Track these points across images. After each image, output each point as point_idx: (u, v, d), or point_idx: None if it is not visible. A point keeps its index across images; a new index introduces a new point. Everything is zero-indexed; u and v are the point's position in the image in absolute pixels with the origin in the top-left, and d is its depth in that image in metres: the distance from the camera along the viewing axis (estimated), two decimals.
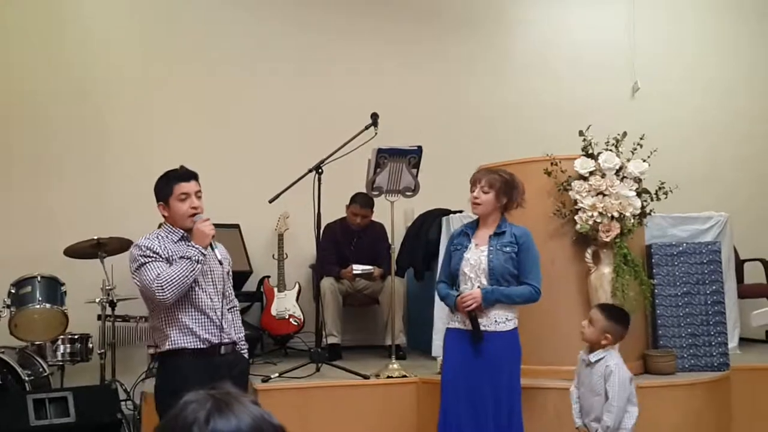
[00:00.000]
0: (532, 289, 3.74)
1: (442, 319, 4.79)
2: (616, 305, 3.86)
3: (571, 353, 3.73)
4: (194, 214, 3.38)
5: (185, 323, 3.33)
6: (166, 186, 3.41)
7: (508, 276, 3.74)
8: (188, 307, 3.34)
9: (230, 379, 2.97)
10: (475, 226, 3.92)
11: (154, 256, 3.31)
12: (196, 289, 3.35)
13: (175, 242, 3.38)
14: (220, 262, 3.43)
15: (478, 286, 3.73)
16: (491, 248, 3.76)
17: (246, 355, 3.63)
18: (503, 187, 3.82)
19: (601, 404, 3.49)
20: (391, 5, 7.00)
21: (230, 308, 3.57)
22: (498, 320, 3.73)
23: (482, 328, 3.70)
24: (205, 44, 6.55)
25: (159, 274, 3.26)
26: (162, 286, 3.24)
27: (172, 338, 3.32)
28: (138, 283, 3.36)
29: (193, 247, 3.32)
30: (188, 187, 3.38)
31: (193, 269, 3.29)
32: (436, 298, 4.38)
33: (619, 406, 3.47)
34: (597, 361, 3.54)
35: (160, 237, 3.40)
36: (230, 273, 3.59)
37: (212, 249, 3.40)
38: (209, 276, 3.41)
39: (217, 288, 3.43)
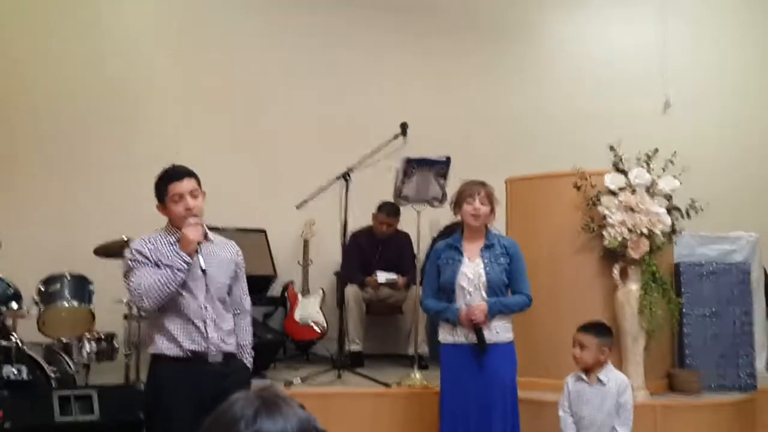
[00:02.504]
0: (526, 298, 3.85)
1: None
2: (594, 321, 3.86)
3: None
4: (189, 216, 3.19)
5: (169, 331, 3.18)
6: (160, 187, 3.24)
7: (503, 287, 3.83)
8: (174, 314, 3.19)
9: (219, 390, 2.94)
10: (460, 239, 3.94)
11: (143, 260, 3.18)
12: (186, 295, 3.19)
13: (171, 244, 3.21)
14: (203, 271, 3.16)
15: (478, 300, 3.77)
16: (486, 261, 3.81)
17: (249, 364, 3.42)
18: (494, 200, 3.91)
19: (612, 421, 3.61)
20: (423, 15, 7.01)
21: (238, 312, 3.39)
22: (499, 331, 3.80)
23: (485, 341, 3.75)
24: (237, 48, 6.60)
25: (140, 282, 3.13)
26: (141, 294, 3.13)
27: (156, 344, 3.22)
28: (126, 288, 3.26)
29: (178, 254, 3.15)
30: (180, 187, 3.19)
31: (174, 278, 3.12)
32: None
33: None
34: (608, 379, 3.65)
35: (158, 238, 3.25)
36: (238, 276, 3.39)
37: (198, 255, 3.17)
38: (201, 281, 3.20)
39: (210, 294, 3.22)
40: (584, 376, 3.70)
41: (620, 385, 3.66)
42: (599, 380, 3.67)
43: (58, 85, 6.26)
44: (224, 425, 1.19)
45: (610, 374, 3.69)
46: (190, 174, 3.25)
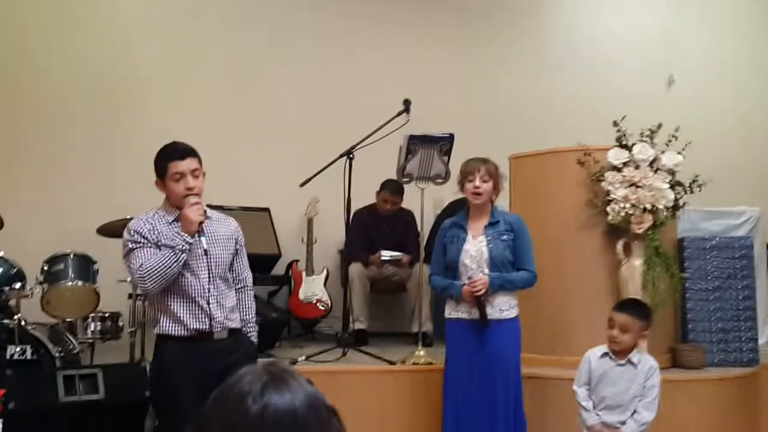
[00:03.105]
0: (531, 275, 3.83)
1: None
2: (632, 300, 3.82)
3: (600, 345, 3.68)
4: (189, 195, 3.15)
5: (173, 311, 3.16)
6: (161, 163, 3.18)
7: (507, 264, 3.81)
8: (177, 294, 3.16)
9: (225, 367, 2.95)
10: (465, 217, 3.93)
11: (143, 241, 3.14)
12: (188, 275, 3.16)
13: (170, 223, 3.19)
14: (205, 252, 3.17)
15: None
16: (489, 238, 3.81)
17: (254, 338, 3.42)
18: (497, 175, 3.88)
19: (634, 404, 3.48)
20: None
21: (240, 287, 3.39)
22: (502, 308, 3.80)
23: (488, 316, 3.75)
24: (239, 27, 6.58)
25: (142, 263, 3.09)
26: (143, 276, 3.08)
27: (161, 324, 3.20)
28: (128, 270, 3.24)
29: (180, 234, 3.12)
30: (183, 165, 3.14)
31: (177, 259, 3.09)
32: None
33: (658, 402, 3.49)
34: (639, 361, 3.52)
35: (156, 217, 3.22)
36: (239, 252, 3.37)
37: (200, 236, 3.17)
38: (203, 260, 3.18)
39: (212, 272, 3.21)
40: (612, 355, 3.54)
41: (650, 368, 3.51)
42: (630, 362, 3.51)
43: (62, 69, 6.26)
44: (232, 400, 1.19)
45: (642, 356, 3.54)
46: (192, 153, 3.19)
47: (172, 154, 3.17)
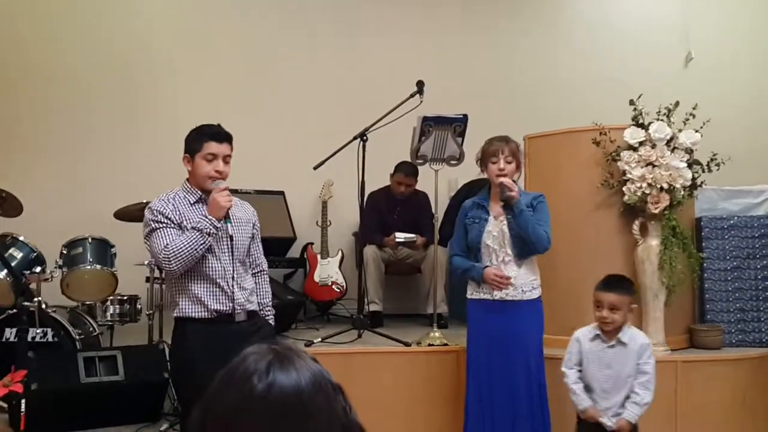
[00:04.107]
0: (546, 234, 3.73)
1: None
2: (614, 276, 3.64)
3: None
4: (215, 178, 3.21)
5: (195, 293, 3.19)
6: (197, 140, 3.22)
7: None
8: (199, 276, 3.20)
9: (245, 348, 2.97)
10: (486, 197, 3.91)
11: (166, 221, 3.16)
12: (209, 257, 3.19)
13: (192, 204, 3.23)
14: (231, 238, 3.21)
15: (504, 257, 3.77)
16: (510, 217, 3.77)
17: (271, 321, 3.47)
18: (519, 154, 3.85)
19: (629, 384, 3.42)
20: None
21: (257, 272, 3.44)
22: (525, 289, 3.78)
23: (510, 298, 3.74)
24: (252, 10, 6.57)
25: (167, 244, 3.11)
26: (169, 257, 3.10)
27: (181, 306, 3.22)
28: (148, 250, 3.27)
29: (207, 218, 3.15)
30: (218, 148, 3.20)
31: (203, 242, 3.12)
32: None
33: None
34: (629, 340, 3.46)
35: (177, 198, 3.25)
36: (255, 236, 3.43)
37: (226, 222, 3.21)
38: (224, 242, 3.23)
39: (234, 255, 3.25)
40: (603, 336, 3.49)
41: (641, 346, 3.44)
42: (621, 342, 3.45)
43: (82, 54, 6.30)
44: (238, 380, 1.20)
45: (632, 334, 3.48)
46: (230, 139, 3.26)
47: (212, 135, 3.22)
